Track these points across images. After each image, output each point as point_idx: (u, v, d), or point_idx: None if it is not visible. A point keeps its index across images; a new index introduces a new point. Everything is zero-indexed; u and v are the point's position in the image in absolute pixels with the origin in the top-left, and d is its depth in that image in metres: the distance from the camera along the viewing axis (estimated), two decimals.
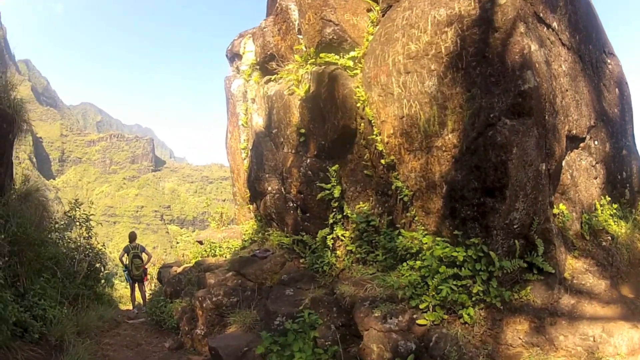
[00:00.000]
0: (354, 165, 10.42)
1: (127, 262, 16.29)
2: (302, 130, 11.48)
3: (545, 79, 7.87)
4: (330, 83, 10.49)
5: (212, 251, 15.66)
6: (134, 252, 16.32)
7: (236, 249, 14.91)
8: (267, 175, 12.55)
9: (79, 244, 14.49)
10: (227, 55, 17.95)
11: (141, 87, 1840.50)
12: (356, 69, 10.63)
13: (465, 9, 8.06)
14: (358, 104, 10.15)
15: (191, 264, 15.15)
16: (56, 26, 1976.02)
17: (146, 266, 17.05)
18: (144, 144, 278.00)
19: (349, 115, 10.19)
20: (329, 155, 10.89)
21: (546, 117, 7.89)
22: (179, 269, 15.30)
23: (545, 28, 8.74)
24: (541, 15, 8.60)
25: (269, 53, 13.51)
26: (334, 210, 10.77)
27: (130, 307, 17.07)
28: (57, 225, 13.65)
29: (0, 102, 11.00)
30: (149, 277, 18.79)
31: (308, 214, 11.35)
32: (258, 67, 14.66)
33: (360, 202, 10.29)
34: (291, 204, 11.77)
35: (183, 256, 18.89)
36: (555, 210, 8.61)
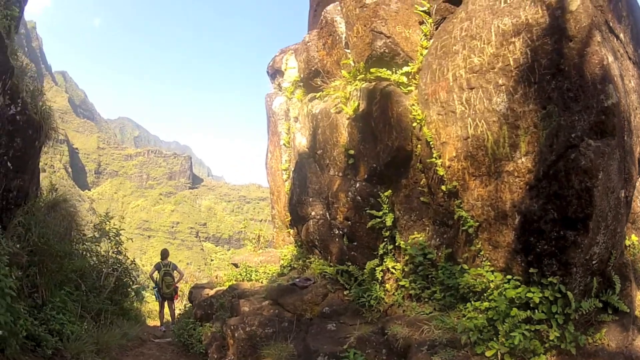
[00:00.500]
0: (408, 191, 9.49)
1: (158, 280, 15.81)
2: (351, 152, 10.61)
3: (622, 94, 6.98)
4: (382, 100, 9.65)
5: (248, 275, 14.84)
6: (165, 269, 15.83)
7: (273, 274, 14.11)
8: (310, 199, 11.71)
9: (107, 257, 14.22)
10: (268, 72, 17.32)
11: (180, 103, 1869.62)
12: (410, 85, 9.80)
13: (533, 17, 7.19)
14: (414, 124, 9.26)
15: (225, 287, 14.41)
16: (93, 40, 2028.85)
17: (177, 284, 16.60)
18: (182, 161, 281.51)
19: (405, 136, 9.30)
20: (380, 179, 10.02)
21: (625, 138, 6.98)
22: (212, 292, 14.55)
23: (615, 39, 7.82)
24: (611, 24, 7.75)
25: (313, 69, 12.77)
26: (385, 240, 9.87)
27: (159, 324, 16.73)
28: (85, 238, 13.44)
29: (26, 108, 10.45)
30: (179, 294, 18.28)
31: (355, 243, 10.45)
32: (301, 83, 13.95)
33: (415, 232, 9.35)
34: (336, 231, 10.88)
35: (216, 277, 18.12)
36: (626, 242, 7.79)
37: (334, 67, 12.12)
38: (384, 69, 10.06)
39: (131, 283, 15.36)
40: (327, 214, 11.27)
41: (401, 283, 9.28)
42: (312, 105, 12.78)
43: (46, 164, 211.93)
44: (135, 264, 16.77)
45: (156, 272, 16.01)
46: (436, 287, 8.56)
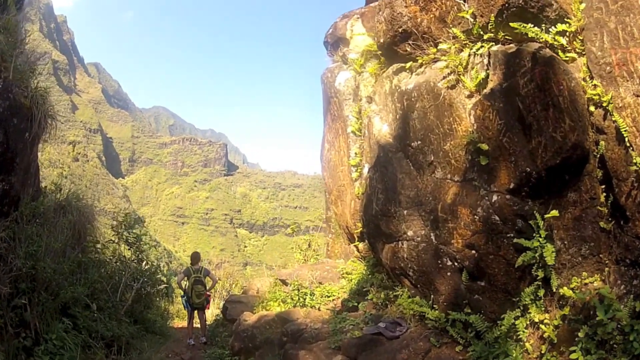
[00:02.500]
0: (579, 211, 6.02)
1: (187, 288, 13.43)
2: (483, 147, 6.99)
3: None
4: (540, 70, 6.17)
5: (301, 299, 11.82)
6: (196, 276, 13.38)
7: (336, 302, 11.18)
8: (404, 212, 8.30)
9: (127, 265, 12.30)
10: (326, 42, 13.93)
11: (216, 90, 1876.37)
12: (569, 50, 6.30)
13: None
14: (591, 108, 5.79)
15: (270, 313, 11.55)
16: (127, 32, 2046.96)
17: (209, 292, 14.28)
18: (217, 148, 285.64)
19: (582, 126, 5.85)
20: (536, 191, 6.47)
21: None
22: (253, 318, 11.61)
23: None
24: None
25: (399, 30, 9.28)
26: (535, 281, 6.40)
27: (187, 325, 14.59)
28: (99, 246, 11.70)
29: (10, 90, 7.47)
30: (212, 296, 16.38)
31: (483, 282, 7.04)
32: (379, 52, 10.54)
33: (584, 273, 5.95)
34: (449, 262, 7.48)
35: (257, 292, 15.04)
36: None
37: (435, 26, 8.62)
38: (530, 25, 6.56)
39: (156, 292, 13.76)
40: (433, 235, 7.84)
41: (562, 349, 5.88)
42: (399, 79, 9.38)
43: (79, 154, 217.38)
44: (160, 269, 14.91)
45: (185, 278, 13.65)
46: (624, 358, 5.22)
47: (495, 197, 6.83)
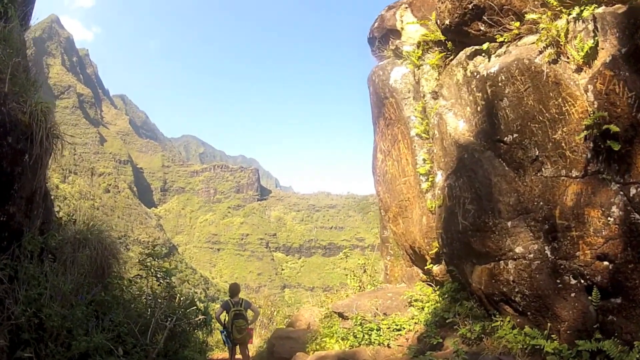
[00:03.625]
0: None
1: (227, 322, 12.08)
2: (612, 128, 5.26)
3: None
4: None
5: (366, 336, 10.05)
6: (236, 310, 12.05)
7: (411, 339, 9.37)
8: (507, 224, 6.58)
9: (157, 304, 10.56)
10: (372, 38, 12.44)
11: (244, 118, 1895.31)
12: None
13: None
14: None
15: (329, 353, 9.84)
16: (151, 62, 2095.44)
17: (251, 327, 12.95)
18: (249, 174, 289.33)
19: None
20: None
21: None
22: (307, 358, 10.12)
23: None
24: None
25: (470, 6, 7.75)
26: None
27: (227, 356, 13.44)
28: (124, 283, 10.24)
29: (3, 104, 6.08)
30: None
31: (619, 299, 5.45)
32: (446, 36, 9.01)
33: None
34: (572, 280, 5.83)
35: (309, 326, 13.45)
36: None
37: None
38: None
39: (192, 327, 11.82)
40: (548, 249, 6.14)
41: None
42: (475, 64, 7.81)
43: (110, 185, 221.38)
44: (197, 298, 12.93)
45: (224, 312, 12.39)
46: None
47: (634, 190, 5.18)
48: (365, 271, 14.48)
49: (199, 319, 12.34)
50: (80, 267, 8.64)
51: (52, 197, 11.16)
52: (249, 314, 12.71)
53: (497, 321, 7.16)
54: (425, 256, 10.05)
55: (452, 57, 8.75)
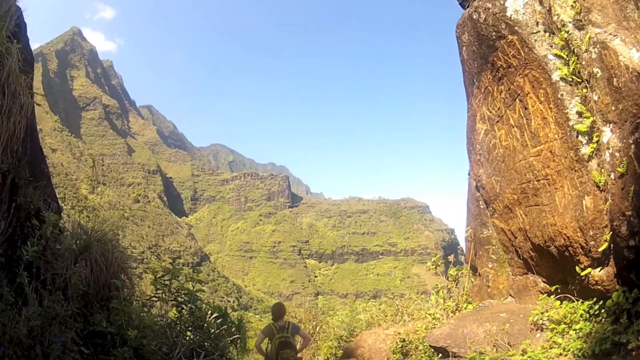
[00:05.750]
0: None
1: (270, 352, 9.66)
2: None
3: None
4: None
5: None
6: (282, 337, 9.50)
7: None
8: None
9: (179, 335, 7.86)
10: None
11: (273, 125, 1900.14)
12: None
13: None
14: None
15: None
16: (177, 73, 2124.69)
17: (300, 355, 10.32)
18: (280, 181, 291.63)
19: None
20: None
21: None
22: None
23: None
24: None
25: None
26: None
27: None
28: (131, 309, 7.37)
29: None
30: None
31: None
32: None
33: None
34: None
35: None
36: None
37: None
38: None
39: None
40: None
41: None
42: None
43: (139, 195, 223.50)
44: (228, 318, 10.51)
45: (265, 339, 9.88)
46: None
47: None
48: (456, 284, 11.08)
49: (233, 338, 10.06)
50: (74, 288, 6.48)
51: (60, 205, 8.68)
52: (297, 339, 10.50)
53: None
54: (580, 256, 6.70)
55: None
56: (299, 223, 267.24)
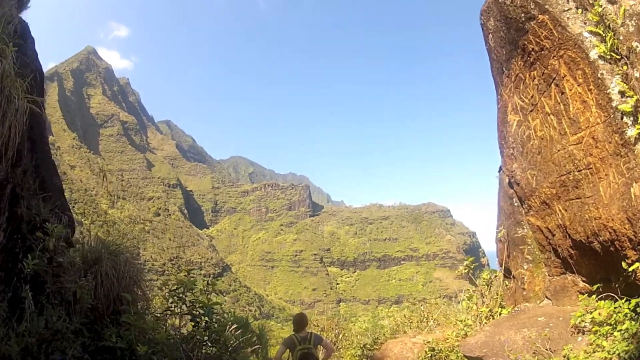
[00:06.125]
0: None
1: None
2: None
3: None
4: None
5: None
6: (303, 348, 8.90)
7: None
8: None
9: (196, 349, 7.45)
10: None
11: (291, 135, 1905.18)
12: None
13: None
14: None
15: None
16: (193, 88, 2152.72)
17: None
18: (300, 191, 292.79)
19: None
20: None
21: None
22: None
23: None
24: None
25: None
26: None
27: None
28: (142, 323, 6.91)
29: None
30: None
31: None
32: None
33: None
34: None
35: None
36: None
37: None
38: None
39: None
40: None
41: None
42: None
43: (159, 208, 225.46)
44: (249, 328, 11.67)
45: (287, 351, 9.23)
46: None
47: None
48: (488, 288, 10.44)
49: (254, 348, 10.51)
50: (82, 302, 6.23)
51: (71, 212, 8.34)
52: (319, 350, 9.87)
53: None
54: (627, 250, 6.18)
55: None
56: (320, 231, 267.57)
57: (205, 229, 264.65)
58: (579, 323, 7.02)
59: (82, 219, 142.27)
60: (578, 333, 7.07)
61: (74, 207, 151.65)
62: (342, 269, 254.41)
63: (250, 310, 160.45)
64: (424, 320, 13.41)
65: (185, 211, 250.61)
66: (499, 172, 10.58)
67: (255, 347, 11.33)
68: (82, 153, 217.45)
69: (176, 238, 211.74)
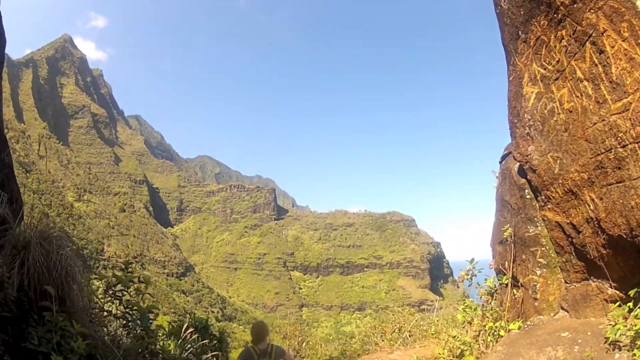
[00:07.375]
0: None
1: None
2: None
3: None
4: None
5: None
6: None
7: None
8: None
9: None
10: None
11: (260, 138, 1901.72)
12: None
13: None
14: None
15: None
16: (165, 83, 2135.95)
17: None
18: (265, 193, 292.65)
19: None
20: None
21: None
22: None
23: None
24: None
25: None
26: None
27: None
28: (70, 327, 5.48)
29: None
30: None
31: None
32: None
33: None
34: None
35: None
36: None
37: None
38: None
39: None
40: None
41: None
42: None
43: (125, 204, 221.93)
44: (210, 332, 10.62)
45: None
46: None
47: None
48: (492, 297, 9.05)
49: (213, 354, 9.73)
50: (6, 293, 5.19)
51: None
52: None
53: None
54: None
55: None
56: (284, 235, 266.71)
57: (169, 228, 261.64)
58: (613, 338, 5.67)
59: (49, 211, 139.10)
60: (614, 350, 5.75)
61: (40, 198, 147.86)
62: (305, 274, 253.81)
63: (213, 312, 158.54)
64: (396, 331, 12.20)
65: (151, 208, 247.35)
66: (501, 162, 9.25)
67: (214, 353, 10.11)
68: (51, 143, 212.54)
69: (140, 235, 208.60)
